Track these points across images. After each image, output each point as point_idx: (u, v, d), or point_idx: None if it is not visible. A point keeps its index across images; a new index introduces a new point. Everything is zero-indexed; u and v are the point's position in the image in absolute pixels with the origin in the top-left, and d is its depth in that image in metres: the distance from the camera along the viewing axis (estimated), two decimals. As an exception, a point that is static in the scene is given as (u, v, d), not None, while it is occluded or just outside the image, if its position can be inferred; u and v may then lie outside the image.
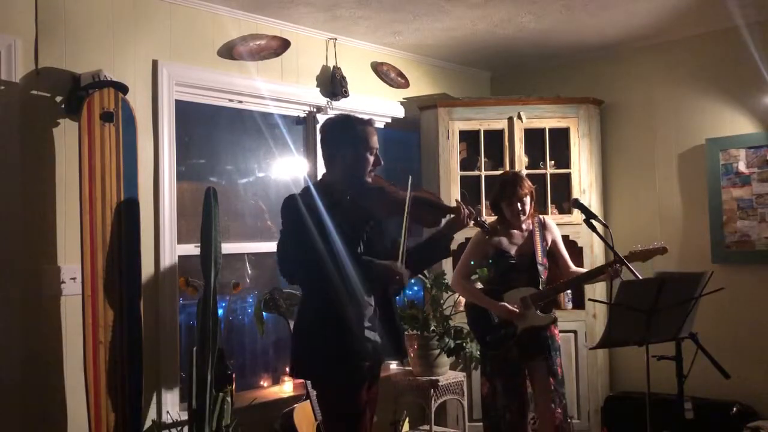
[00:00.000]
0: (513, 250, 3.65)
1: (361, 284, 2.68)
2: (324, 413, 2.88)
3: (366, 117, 2.86)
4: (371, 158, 2.79)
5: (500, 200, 3.65)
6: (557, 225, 3.87)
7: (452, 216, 2.86)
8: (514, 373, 3.60)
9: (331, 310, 2.67)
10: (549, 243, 3.72)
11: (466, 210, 2.83)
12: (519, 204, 3.59)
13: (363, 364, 2.72)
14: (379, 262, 2.70)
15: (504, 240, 3.66)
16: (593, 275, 3.59)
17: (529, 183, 3.65)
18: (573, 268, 3.76)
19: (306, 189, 2.83)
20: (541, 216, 3.78)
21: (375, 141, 2.80)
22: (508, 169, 4.75)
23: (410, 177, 2.79)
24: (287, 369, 4.24)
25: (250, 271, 4.29)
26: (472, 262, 3.79)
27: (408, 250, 2.77)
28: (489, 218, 4.62)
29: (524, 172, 4.70)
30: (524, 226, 3.68)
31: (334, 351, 2.67)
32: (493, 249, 3.66)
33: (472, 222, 2.86)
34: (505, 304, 3.55)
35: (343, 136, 2.78)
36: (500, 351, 3.59)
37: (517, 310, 3.52)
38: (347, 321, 2.68)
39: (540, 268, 3.62)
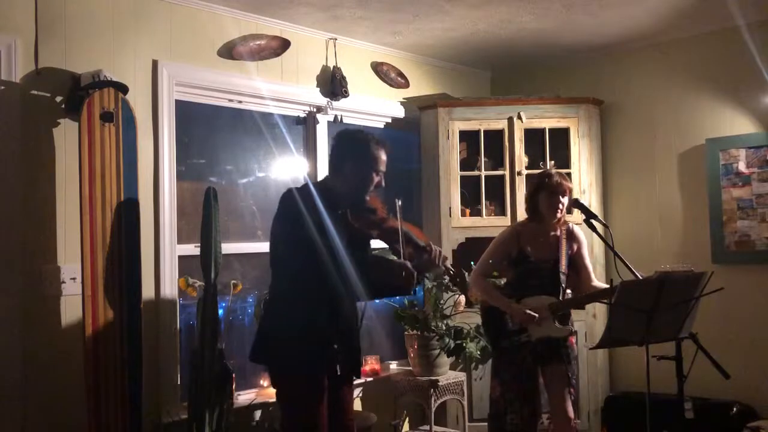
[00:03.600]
0: (537, 254, 3.55)
1: (343, 290, 2.76)
2: (281, 402, 2.90)
3: (382, 138, 2.93)
4: (376, 178, 2.86)
5: (541, 190, 3.53)
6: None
7: (425, 255, 2.87)
8: (527, 379, 3.51)
9: (309, 306, 2.76)
10: (574, 252, 3.62)
11: (437, 251, 2.86)
12: (560, 196, 3.49)
13: (325, 360, 2.80)
14: (391, 258, 2.76)
15: (529, 242, 3.56)
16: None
17: (570, 183, 3.59)
18: (595, 282, 3.64)
19: (305, 187, 2.88)
20: (570, 224, 3.66)
21: (384, 163, 2.87)
22: (508, 169, 4.76)
23: (399, 202, 2.82)
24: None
25: (250, 271, 4.29)
26: (492, 261, 3.67)
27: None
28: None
29: (524, 172, 4.72)
30: (552, 232, 3.58)
31: (304, 338, 2.76)
32: (517, 250, 3.56)
33: (442, 266, 2.89)
34: (522, 307, 3.46)
35: (356, 151, 2.85)
36: (513, 357, 3.51)
37: (535, 315, 3.42)
38: (320, 318, 2.77)
39: (562, 276, 3.53)
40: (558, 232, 3.59)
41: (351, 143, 2.89)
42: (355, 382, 4.25)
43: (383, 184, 2.90)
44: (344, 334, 2.88)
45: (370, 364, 4.63)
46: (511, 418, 3.49)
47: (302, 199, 2.76)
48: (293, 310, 2.79)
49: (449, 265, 2.95)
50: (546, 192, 3.52)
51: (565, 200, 3.53)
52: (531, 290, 3.51)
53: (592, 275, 3.67)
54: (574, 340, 3.60)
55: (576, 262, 3.64)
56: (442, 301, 4.38)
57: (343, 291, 2.74)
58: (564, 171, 4.78)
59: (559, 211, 3.52)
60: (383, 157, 2.87)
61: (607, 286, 3.51)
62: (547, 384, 3.56)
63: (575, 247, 3.62)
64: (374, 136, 2.92)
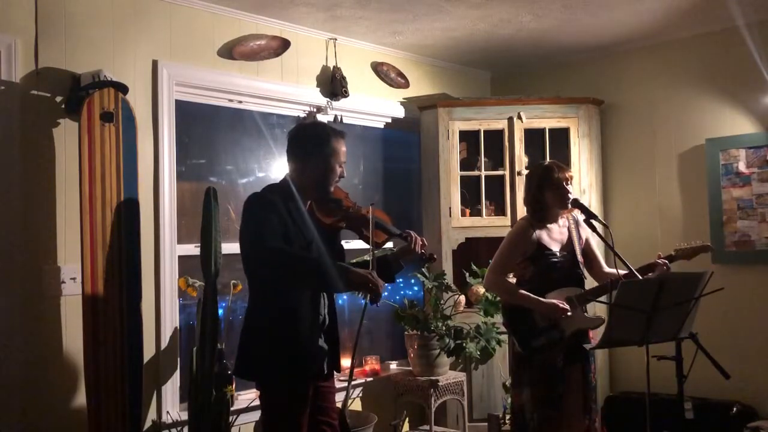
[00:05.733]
0: (555, 247, 3.40)
1: (325, 288, 2.78)
2: (264, 413, 2.85)
3: (340, 130, 2.94)
4: (339, 170, 2.87)
5: (546, 188, 3.38)
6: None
7: (404, 243, 2.92)
8: (557, 382, 3.30)
9: (287, 311, 2.72)
10: (584, 241, 3.50)
11: (418, 240, 2.89)
12: (567, 187, 3.36)
13: (310, 368, 2.76)
14: (355, 270, 2.71)
15: (544, 236, 3.39)
16: (643, 273, 3.28)
17: (569, 170, 3.49)
18: (606, 268, 3.50)
19: (272, 188, 2.88)
20: (574, 213, 3.51)
21: (344, 154, 2.90)
22: (508, 169, 4.76)
23: (372, 205, 2.91)
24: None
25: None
26: (508, 259, 3.47)
27: (357, 264, 2.88)
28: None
29: (524, 172, 4.72)
30: (561, 221, 3.45)
31: (286, 352, 2.71)
32: (534, 245, 3.38)
33: (421, 253, 2.91)
34: (554, 300, 3.29)
35: (318, 145, 2.85)
36: (546, 357, 3.32)
37: (567, 306, 3.27)
38: (302, 324, 2.73)
39: (581, 267, 3.42)
40: (567, 222, 3.48)
41: (311, 137, 2.89)
42: (355, 382, 4.30)
43: (344, 175, 2.92)
44: (327, 329, 2.85)
45: (370, 364, 4.63)
46: (532, 419, 3.32)
47: (268, 201, 2.73)
48: (274, 319, 2.73)
49: (426, 251, 2.96)
50: (551, 188, 3.39)
51: (570, 188, 3.41)
52: (554, 284, 3.35)
53: (603, 262, 3.56)
54: (592, 335, 3.44)
55: (587, 251, 3.52)
56: (442, 301, 4.38)
57: (324, 285, 2.73)
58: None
59: (569, 201, 3.40)
60: (343, 148, 2.89)
61: (625, 271, 3.30)
62: (567, 385, 3.34)
63: (584, 235, 3.50)
64: (333, 129, 2.93)
